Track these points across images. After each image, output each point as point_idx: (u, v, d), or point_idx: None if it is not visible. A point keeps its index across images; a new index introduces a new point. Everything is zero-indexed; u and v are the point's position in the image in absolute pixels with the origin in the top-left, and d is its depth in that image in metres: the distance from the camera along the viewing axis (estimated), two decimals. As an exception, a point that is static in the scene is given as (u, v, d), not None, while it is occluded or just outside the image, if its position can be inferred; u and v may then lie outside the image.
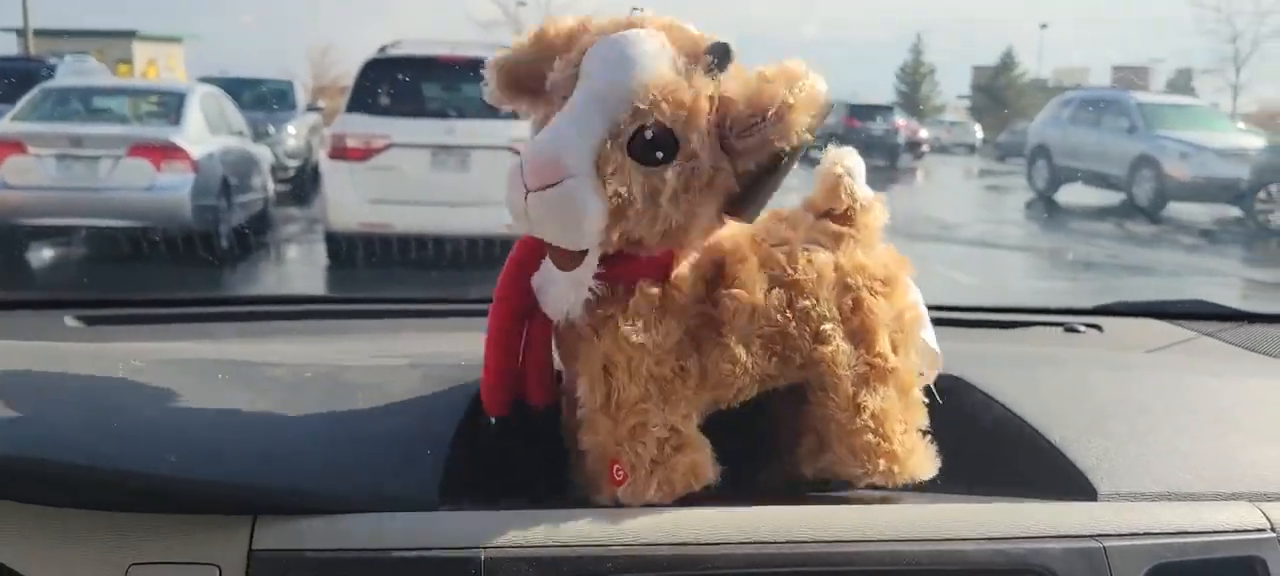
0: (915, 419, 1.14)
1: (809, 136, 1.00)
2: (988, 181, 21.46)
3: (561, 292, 1.07)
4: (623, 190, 0.98)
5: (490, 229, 7.55)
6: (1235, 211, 13.18)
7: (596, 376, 1.07)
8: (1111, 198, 14.28)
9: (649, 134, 0.99)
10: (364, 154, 7.90)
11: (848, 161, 1.15)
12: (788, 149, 1.00)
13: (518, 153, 1.02)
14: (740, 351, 1.06)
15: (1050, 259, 11.02)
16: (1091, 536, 1.03)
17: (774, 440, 1.21)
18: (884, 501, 1.12)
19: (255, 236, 9.71)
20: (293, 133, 13.87)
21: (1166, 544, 1.04)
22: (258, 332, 1.80)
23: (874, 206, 1.16)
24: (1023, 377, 1.35)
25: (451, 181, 7.89)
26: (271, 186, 10.70)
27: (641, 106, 0.99)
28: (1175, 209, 13.58)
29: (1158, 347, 1.81)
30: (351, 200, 7.81)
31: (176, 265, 7.13)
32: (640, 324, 1.05)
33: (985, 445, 1.24)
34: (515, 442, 1.16)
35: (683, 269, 1.08)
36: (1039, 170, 15.36)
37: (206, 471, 1.02)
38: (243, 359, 1.32)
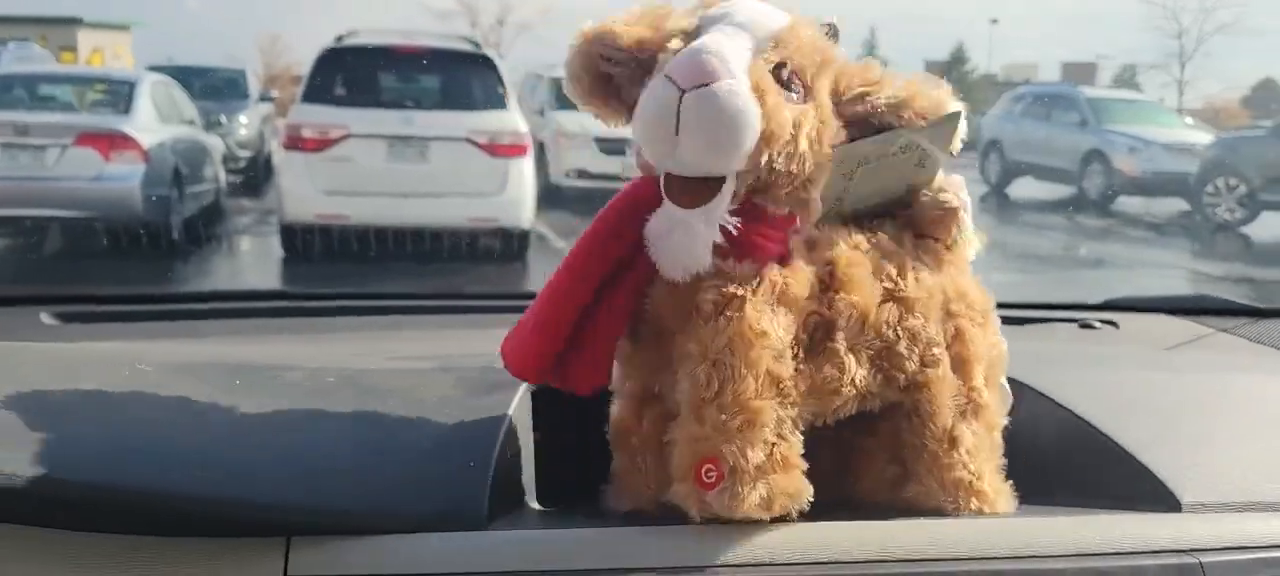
0: (997, 461, 1.08)
1: (919, 122, 1.00)
2: (940, 174, 21.58)
3: (688, 236, 0.94)
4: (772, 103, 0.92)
5: (448, 220, 7.52)
6: (1183, 205, 13.37)
7: (720, 359, 0.93)
8: (1063, 191, 14.42)
9: (785, 74, 0.94)
10: (320, 144, 7.81)
11: (964, 194, 1.08)
12: (891, 123, 1.00)
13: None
14: (850, 359, 0.97)
15: (1002, 252, 11.09)
16: (1187, 551, 0.97)
17: (836, 461, 1.10)
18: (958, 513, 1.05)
19: (207, 228, 9.52)
20: (245, 122, 13.64)
21: (1268, 558, 0.98)
22: (249, 331, 1.69)
23: (974, 241, 1.10)
24: (1076, 377, 1.29)
25: (409, 172, 7.85)
26: (223, 177, 10.50)
27: (786, 38, 0.95)
28: (1124, 202, 13.75)
29: (1180, 344, 1.77)
30: (307, 191, 7.73)
31: (130, 258, 6.94)
32: (768, 310, 0.95)
33: (1049, 449, 1.18)
34: (567, 451, 1.08)
35: (799, 261, 0.99)
36: (991, 164, 15.49)
37: (236, 490, 0.93)
38: (256, 363, 1.22)
